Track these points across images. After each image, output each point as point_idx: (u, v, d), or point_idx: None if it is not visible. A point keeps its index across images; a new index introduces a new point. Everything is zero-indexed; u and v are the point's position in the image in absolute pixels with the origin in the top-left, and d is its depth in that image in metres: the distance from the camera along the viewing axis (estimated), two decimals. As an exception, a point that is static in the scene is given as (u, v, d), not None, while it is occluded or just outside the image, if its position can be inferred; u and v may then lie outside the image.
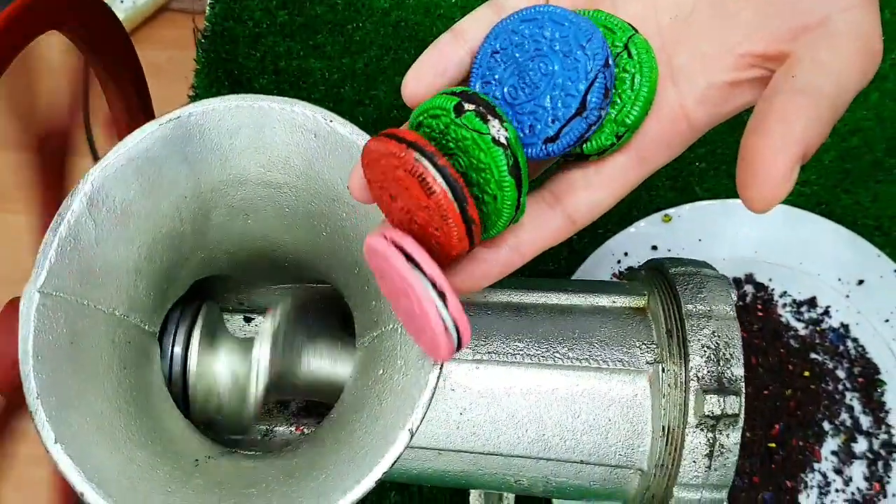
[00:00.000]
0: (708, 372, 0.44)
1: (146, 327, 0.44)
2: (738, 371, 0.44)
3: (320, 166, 0.42)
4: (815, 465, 0.63)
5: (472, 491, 0.62)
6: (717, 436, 0.44)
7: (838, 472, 0.63)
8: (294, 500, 0.36)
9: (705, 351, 0.44)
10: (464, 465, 0.47)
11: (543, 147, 0.31)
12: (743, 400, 0.43)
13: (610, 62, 0.31)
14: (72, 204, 0.40)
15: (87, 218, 0.40)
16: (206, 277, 0.49)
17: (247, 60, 0.76)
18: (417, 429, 0.37)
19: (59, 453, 0.36)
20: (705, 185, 0.73)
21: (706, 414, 0.43)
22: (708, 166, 0.73)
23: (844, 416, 0.65)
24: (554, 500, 0.63)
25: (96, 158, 0.62)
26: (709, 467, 0.44)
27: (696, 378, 0.44)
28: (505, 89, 0.32)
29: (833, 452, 0.64)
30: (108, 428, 0.38)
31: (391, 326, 0.41)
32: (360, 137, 0.41)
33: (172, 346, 0.47)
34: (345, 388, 0.45)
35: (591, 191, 0.33)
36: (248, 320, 0.55)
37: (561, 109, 0.31)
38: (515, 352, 0.46)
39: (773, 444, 0.63)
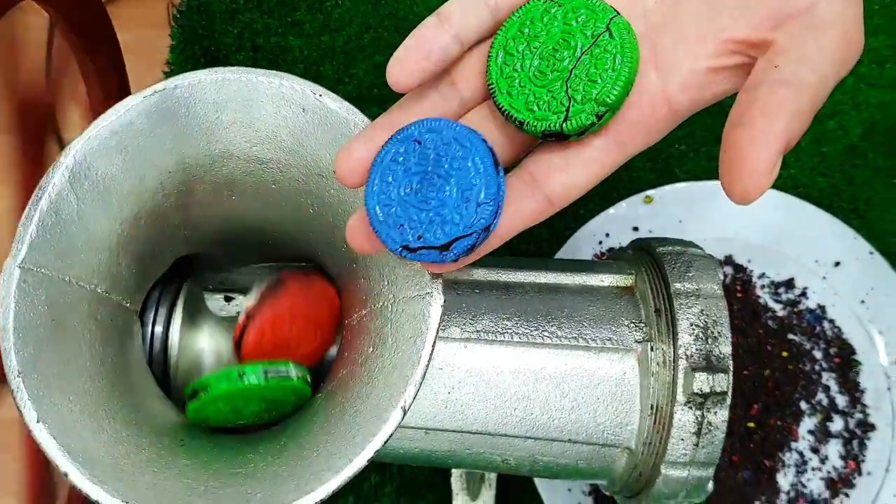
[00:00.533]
0: (696, 350, 0.44)
1: (128, 305, 0.43)
2: (727, 349, 0.44)
3: (308, 142, 0.42)
4: (793, 445, 0.64)
5: (453, 471, 0.62)
6: (704, 414, 0.44)
7: (815, 450, 0.64)
8: (285, 479, 0.36)
9: (693, 329, 0.44)
10: (451, 445, 0.47)
11: (439, 254, 0.33)
12: (731, 378, 0.44)
13: (501, 187, 0.32)
14: (53, 177, 0.38)
15: (69, 192, 0.39)
16: (187, 255, 0.48)
17: (223, 37, 0.74)
18: (410, 406, 0.36)
19: (42, 433, 0.35)
20: (685, 168, 0.73)
21: (695, 392, 0.43)
22: (688, 148, 0.74)
23: (821, 395, 0.65)
24: (536, 480, 0.63)
25: (61, 141, 0.60)
26: (696, 445, 0.44)
27: (684, 356, 0.44)
28: (402, 191, 0.33)
29: (810, 432, 0.65)
30: (91, 407, 0.37)
31: (380, 304, 0.41)
32: (349, 112, 0.40)
33: (153, 324, 0.46)
34: (332, 366, 0.44)
35: (569, 172, 0.33)
36: (228, 300, 0.54)
37: (455, 225, 0.33)
38: (504, 330, 0.46)
39: (752, 424, 0.63)
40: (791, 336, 0.66)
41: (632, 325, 0.46)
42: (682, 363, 0.44)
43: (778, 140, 0.29)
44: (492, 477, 0.62)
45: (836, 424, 0.65)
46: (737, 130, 0.29)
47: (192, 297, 0.47)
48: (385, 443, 0.36)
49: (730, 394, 0.44)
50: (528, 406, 0.45)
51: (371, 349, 0.40)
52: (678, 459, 0.44)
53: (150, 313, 0.46)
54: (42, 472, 0.55)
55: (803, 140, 0.74)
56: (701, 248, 0.49)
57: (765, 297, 0.68)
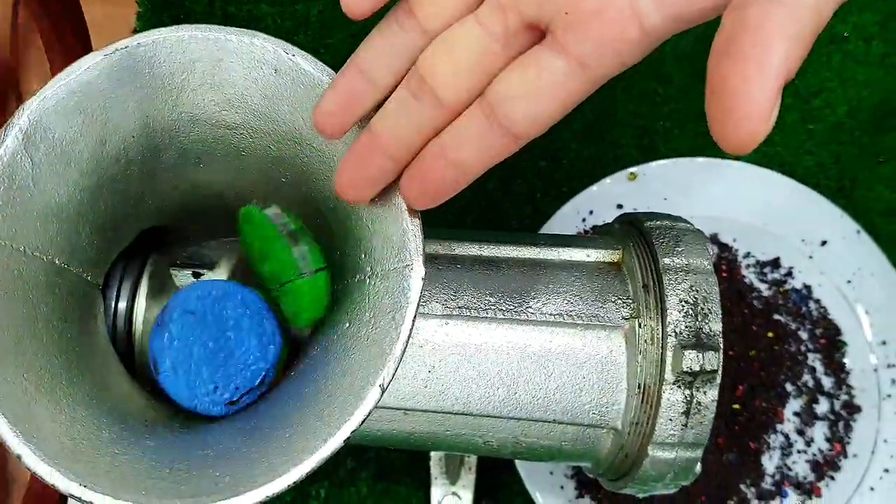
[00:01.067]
0: (686, 327, 0.42)
1: (89, 278, 0.40)
2: (717, 326, 0.43)
3: (281, 105, 0.39)
4: (778, 427, 0.63)
5: (432, 455, 0.61)
6: (694, 393, 0.42)
7: (800, 433, 0.63)
8: (257, 461, 0.34)
9: (683, 306, 0.43)
10: (431, 426, 0.45)
11: (225, 407, 0.39)
12: (721, 356, 0.42)
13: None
14: (5, 139, 0.36)
15: (23, 156, 0.36)
16: (153, 228, 0.46)
17: (194, 4, 0.72)
18: (388, 384, 0.34)
19: (-6, 412, 0.32)
20: (671, 145, 0.71)
21: (684, 370, 0.41)
22: (673, 125, 0.72)
23: (807, 377, 0.64)
24: (517, 463, 0.61)
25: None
26: (685, 425, 0.42)
27: (673, 333, 0.42)
28: (195, 349, 0.39)
29: (795, 413, 0.63)
30: (47, 385, 0.35)
31: (357, 278, 0.39)
32: (325, 74, 0.38)
33: (117, 300, 0.44)
34: (306, 344, 0.42)
35: (530, 101, 0.30)
36: (196, 276, 0.51)
37: (246, 381, 0.39)
38: (487, 307, 0.44)
39: (738, 406, 0.62)
40: (777, 316, 0.65)
41: (619, 301, 0.45)
42: (672, 340, 0.42)
43: (775, 77, 0.24)
44: (472, 461, 0.60)
45: (822, 406, 0.64)
46: (725, 63, 0.25)
47: (159, 272, 0.44)
48: (362, 422, 0.33)
49: (720, 372, 0.42)
50: (512, 385, 0.44)
51: (347, 324, 0.38)
52: (666, 440, 0.43)
53: (113, 288, 0.44)
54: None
55: (789, 117, 0.73)
56: (690, 223, 0.47)
57: (750, 276, 0.66)
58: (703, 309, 0.43)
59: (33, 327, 0.36)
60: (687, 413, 0.42)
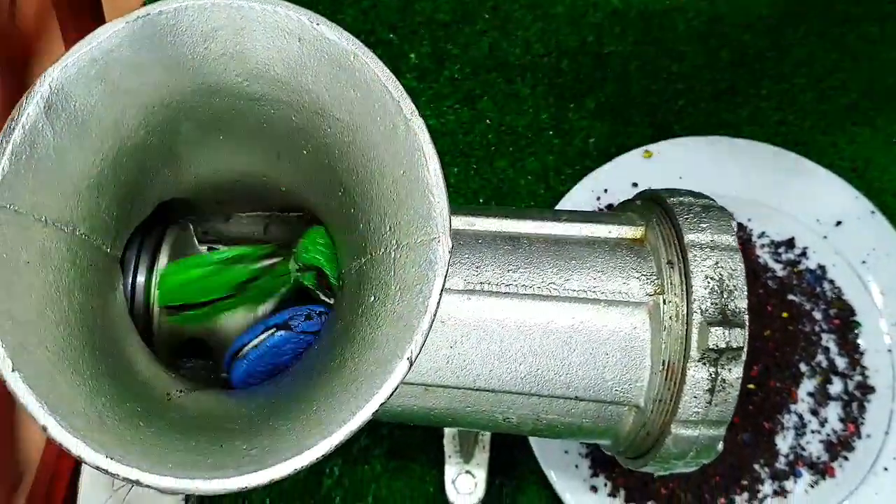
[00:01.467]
0: (712, 304, 0.42)
1: (108, 250, 0.40)
2: (742, 303, 0.42)
3: (304, 75, 0.39)
4: (792, 407, 0.63)
5: (446, 433, 0.60)
6: (719, 370, 0.42)
7: (814, 413, 0.63)
8: (283, 434, 0.33)
9: (709, 282, 0.42)
10: (451, 402, 0.44)
11: None
12: (747, 333, 0.42)
13: None
14: (27, 107, 0.35)
15: (45, 124, 0.35)
16: (171, 202, 0.45)
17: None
18: (416, 357, 0.34)
19: (18, 383, 0.32)
20: (684, 123, 0.71)
21: (710, 347, 0.41)
22: (687, 103, 0.71)
23: (821, 357, 0.64)
24: (532, 442, 0.61)
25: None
26: (709, 403, 0.42)
27: (699, 310, 0.42)
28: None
29: (809, 394, 0.63)
30: (71, 356, 0.34)
31: (382, 251, 0.38)
32: (350, 43, 0.37)
33: (134, 274, 0.43)
34: (328, 320, 0.42)
35: None
36: (212, 251, 0.51)
37: None
38: (509, 282, 0.43)
39: (753, 386, 0.62)
40: (791, 297, 0.65)
41: (643, 277, 0.44)
42: (697, 317, 0.42)
43: None
44: (485, 439, 0.60)
45: (836, 386, 0.63)
46: None
47: (180, 243, 0.44)
48: (391, 395, 0.33)
49: (745, 350, 0.42)
50: (534, 362, 0.43)
51: (372, 298, 0.37)
52: (690, 418, 0.42)
53: (130, 262, 0.43)
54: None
55: (803, 97, 0.73)
56: (713, 200, 0.47)
57: (765, 256, 0.66)
58: (728, 286, 0.42)
59: (55, 299, 0.35)
60: (712, 391, 0.42)
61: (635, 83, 0.72)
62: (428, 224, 0.36)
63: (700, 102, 0.71)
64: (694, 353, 0.42)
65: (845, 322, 0.64)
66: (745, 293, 0.42)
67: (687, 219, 0.44)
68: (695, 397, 0.42)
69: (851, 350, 0.64)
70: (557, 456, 0.61)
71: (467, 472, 0.59)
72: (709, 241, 0.43)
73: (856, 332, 0.64)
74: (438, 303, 0.35)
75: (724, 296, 0.42)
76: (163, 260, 0.44)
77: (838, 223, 0.66)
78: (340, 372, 0.35)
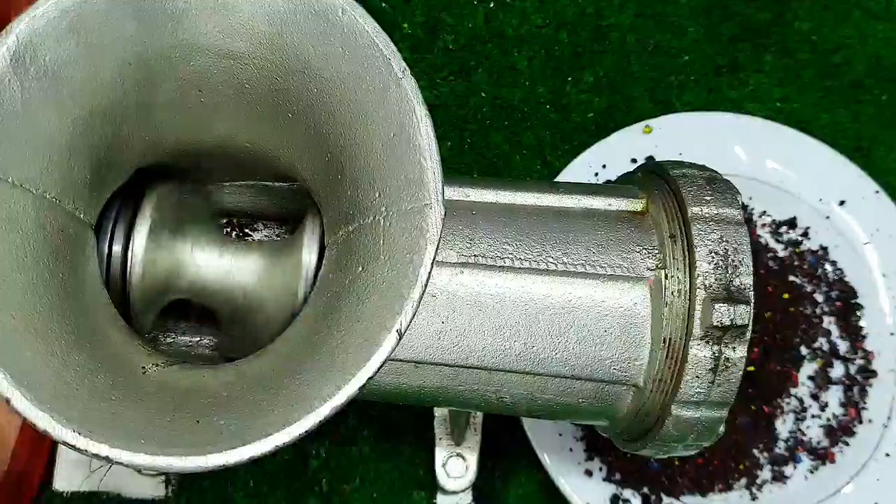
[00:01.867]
0: (716, 279, 0.40)
1: (81, 216, 0.38)
2: (748, 279, 0.40)
3: (289, 32, 0.36)
4: (792, 391, 0.61)
5: (436, 414, 0.58)
6: (722, 349, 0.40)
7: (815, 397, 0.61)
8: (264, 410, 0.31)
9: (713, 257, 0.41)
10: (443, 380, 0.42)
11: None
12: (752, 310, 0.40)
13: None
14: (-8, 60, 0.33)
15: (12, 78, 0.33)
16: (149, 169, 0.43)
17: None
18: (406, 330, 0.32)
19: (-21, 352, 0.30)
20: (684, 99, 0.69)
21: (713, 325, 0.39)
22: (687, 78, 0.69)
23: (822, 340, 0.62)
24: (525, 424, 0.59)
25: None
26: (712, 383, 0.40)
27: (703, 286, 0.40)
28: None
29: (810, 377, 0.62)
30: (39, 326, 0.32)
31: (371, 219, 0.36)
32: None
33: (111, 243, 0.41)
34: (313, 290, 0.40)
35: None
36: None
37: None
38: (504, 255, 0.42)
39: (752, 368, 0.60)
40: (792, 277, 0.63)
41: (644, 251, 0.42)
42: (700, 293, 0.40)
43: None
44: (478, 421, 0.58)
45: (837, 370, 0.62)
46: None
47: (161, 213, 0.41)
48: (378, 369, 0.31)
49: (750, 328, 0.40)
50: (530, 338, 0.41)
51: (360, 268, 0.35)
52: (691, 398, 0.41)
53: (107, 230, 0.41)
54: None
55: (806, 74, 0.71)
56: (717, 172, 0.45)
57: (766, 236, 0.64)
58: (733, 261, 0.41)
59: (23, 265, 0.33)
60: (714, 370, 0.40)
61: (635, 57, 0.70)
62: (419, 190, 0.34)
63: (701, 77, 0.69)
64: (697, 331, 0.40)
65: (847, 304, 0.63)
66: (751, 269, 0.41)
67: (691, 191, 0.43)
68: (697, 377, 0.40)
69: (853, 333, 0.62)
70: (551, 439, 0.60)
71: (458, 455, 0.58)
72: (713, 215, 0.42)
73: (858, 314, 0.63)
74: (430, 273, 0.33)
75: (729, 271, 0.40)
76: (141, 229, 0.42)
77: (841, 203, 0.64)
78: (326, 345, 0.33)
